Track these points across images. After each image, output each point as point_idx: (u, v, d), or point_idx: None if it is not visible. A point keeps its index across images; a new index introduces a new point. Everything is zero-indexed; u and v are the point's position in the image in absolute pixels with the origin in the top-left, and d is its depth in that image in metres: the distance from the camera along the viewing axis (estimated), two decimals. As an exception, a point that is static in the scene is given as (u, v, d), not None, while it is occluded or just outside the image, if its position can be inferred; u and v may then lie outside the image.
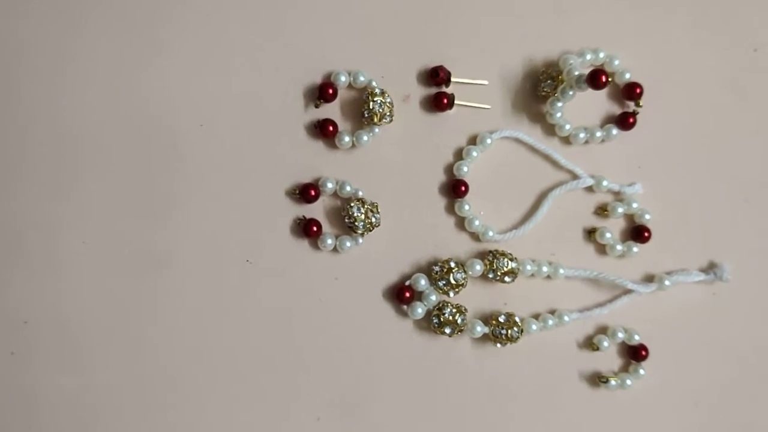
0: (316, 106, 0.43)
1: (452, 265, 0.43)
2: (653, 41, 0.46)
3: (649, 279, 0.46)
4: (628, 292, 0.46)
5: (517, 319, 0.44)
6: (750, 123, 0.46)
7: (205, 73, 0.44)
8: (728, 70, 0.46)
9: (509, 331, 0.43)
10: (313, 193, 0.43)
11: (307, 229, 0.43)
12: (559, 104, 0.43)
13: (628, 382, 0.45)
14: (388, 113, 0.42)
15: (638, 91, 0.45)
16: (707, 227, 0.46)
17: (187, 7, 0.44)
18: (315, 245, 0.44)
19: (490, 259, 0.44)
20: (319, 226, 0.43)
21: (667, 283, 0.45)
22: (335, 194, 0.44)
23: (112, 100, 0.43)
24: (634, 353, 0.45)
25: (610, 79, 0.42)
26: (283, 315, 0.44)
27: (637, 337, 0.45)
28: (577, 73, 0.42)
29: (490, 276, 0.44)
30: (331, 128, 0.43)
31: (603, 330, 0.46)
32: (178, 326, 0.43)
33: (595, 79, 0.41)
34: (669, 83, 0.46)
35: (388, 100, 0.42)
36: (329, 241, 0.43)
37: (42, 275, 0.43)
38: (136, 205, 0.43)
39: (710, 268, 0.46)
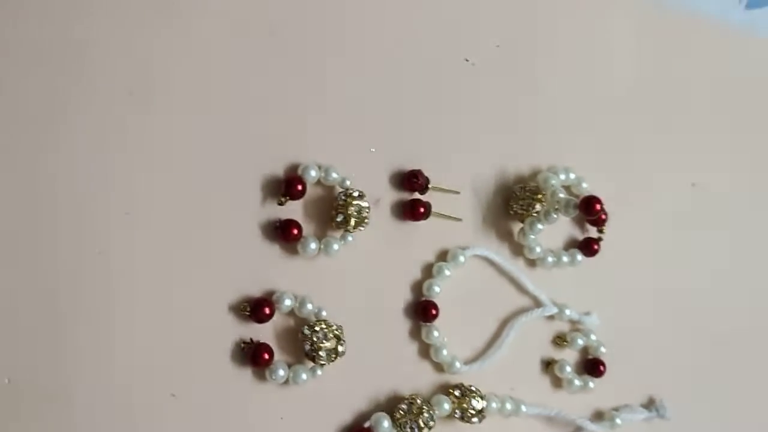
0: (280, 203, 0.36)
1: (420, 403, 0.37)
2: (616, 166, 0.46)
3: (598, 415, 0.44)
4: (579, 431, 0.43)
5: (484, 468, 0.39)
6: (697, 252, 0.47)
7: (133, 148, 0.34)
8: (671, 205, 0.47)
9: (476, 482, 0.38)
10: (267, 311, 0.35)
11: (256, 356, 0.35)
12: (540, 227, 0.41)
13: None
14: (365, 221, 0.36)
15: (603, 218, 0.43)
16: (649, 362, 0.46)
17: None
18: (260, 376, 0.36)
19: (458, 396, 0.39)
20: (271, 354, 0.35)
21: (618, 422, 0.45)
22: (291, 312, 0.36)
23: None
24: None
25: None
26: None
27: (590, 482, 0.42)
28: (562, 195, 0.40)
29: (456, 416, 0.39)
30: (295, 231, 0.36)
31: (556, 473, 0.43)
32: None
33: (590, 207, 0.39)
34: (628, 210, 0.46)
35: (366, 204, 0.36)
36: (281, 372, 0.35)
37: None
38: (25, 317, 0.31)
39: (650, 404, 0.46)
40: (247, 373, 0.36)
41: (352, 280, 0.39)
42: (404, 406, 0.39)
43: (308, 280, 0.38)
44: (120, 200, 0.34)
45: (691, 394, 0.48)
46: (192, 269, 0.36)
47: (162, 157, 0.35)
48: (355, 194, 0.38)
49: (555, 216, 0.42)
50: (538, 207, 0.42)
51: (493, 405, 0.41)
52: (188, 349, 0.35)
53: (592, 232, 0.46)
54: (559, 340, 0.45)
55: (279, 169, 0.38)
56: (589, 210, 0.40)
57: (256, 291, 0.37)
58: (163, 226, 0.35)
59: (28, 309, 0.33)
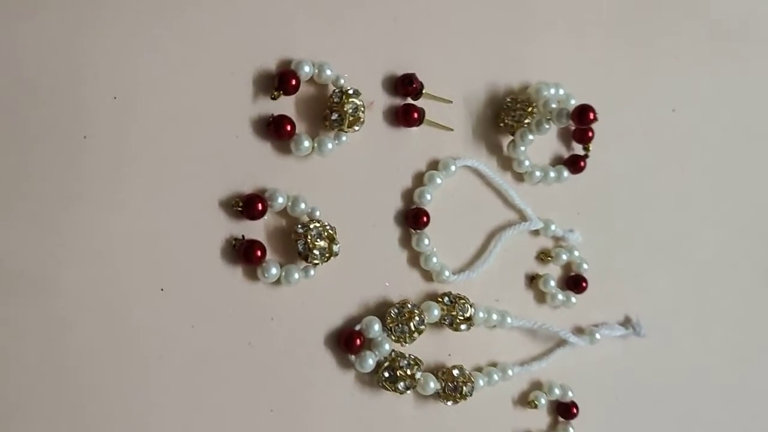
0: (273, 98, 0.35)
1: (410, 308, 0.37)
2: (600, 86, 0.46)
3: (578, 330, 0.46)
4: (561, 344, 0.44)
5: (472, 374, 0.39)
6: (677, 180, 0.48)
7: (124, 29, 0.32)
8: (654, 130, 0.48)
9: (464, 388, 0.39)
10: (260, 207, 0.34)
11: (248, 253, 0.34)
12: (531, 137, 0.41)
13: (560, 441, 0.43)
14: (360, 120, 0.36)
15: (590, 135, 0.44)
16: (626, 281, 0.47)
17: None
18: (251, 274, 0.35)
19: (448, 303, 0.39)
20: (264, 251, 0.34)
21: (597, 336, 0.46)
22: (282, 212, 0.35)
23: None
24: (565, 410, 0.44)
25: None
26: (201, 361, 0.34)
27: (570, 394, 0.44)
28: (555, 105, 0.40)
29: (445, 322, 0.39)
30: (288, 128, 0.35)
31: (537, 385, 0.44)
32: (64, 374, 0.31)
33: (584, 115, 0.39)
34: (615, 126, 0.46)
35: (361, 103, 0.36)
36: (273, 271, 0.35)
37: None
38: (13, 201, 0.30)
39: (627, 322, 0.47)
40: (237, 271, 0.36)
41: (343, 182, 0.39)
42: (395, 311, 0.39)
43: (299, 179, 0.37)
44: (107, 84, 0.33)
45: (668, 315, 0.50)
46: (181, 162, 0.35)
47: (153, 41, 0.34)
48: (351, 92, 0.37)
49: (547, 126, 0.42)
50: (529, 119, 0.43)
51: (480, 314, 0.42)
52: (177, 243, 0.34)
53: (578, 149, 0.47)
54: (544, 256, 0.46)
55: (271, 64, 0.37)
56: (583, 118, 0.41)
57: (247, 188, 0.36)
58: (151, 114, 0.34)
59: (14, 192, 0.31)
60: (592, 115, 0.40)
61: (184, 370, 0.34)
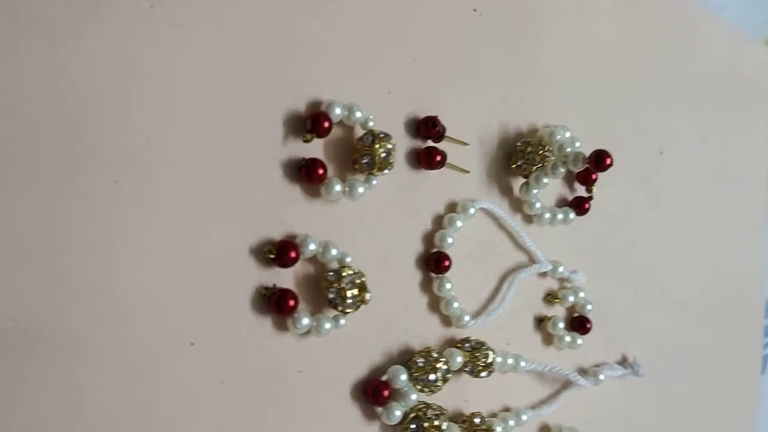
0: (306, 141, 0.34)
1: (436, 356, 0.37)
2: (593, 129, 0.47)
3: (580, 371, 0.46)
4: (567, 386, 0.45)
5: (491, 421, 0.39)
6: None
7: (157, 69, 0.30)
8: (642, 169, 0.50)
9: (486, 436, 0.38)
10: (293, 254, 0.33)
11: (281, 303, 0.33)
12: (545, 180, 0.42)
13: (570, 485, 0.43)
14: (391, 164, 0.35)
15: (594, 177, 0.45)
16: (623, 321, 0.48)
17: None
18: (280, 324, 0.33)
19: (469, 349, 0.39)
20: (296, 300, 0.33)
21: (601, 378, 0.46)
22: (311, 258, 0.34)
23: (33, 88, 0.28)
24: (574, 453, 0.44)
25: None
26: (230, 419, 0.33)
27: (578, 436, 0.44)
28: (569, 149, 0.40)
29: (466, 369, 0.38)
30: (320, 171, 0.34)
31: (545, 429, 0.44)
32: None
33: (601, 160, 0.40)
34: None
35: (392, 146, 0.35)
36: (305, 321, 0.33)
37: None
38: (34, 252, 0.27)
39: (624, 362, 0.48)
40: (266, 322, 0.34)
41: (368, 226, 0.38)
42: (421, 360, 0.38)
43: (327, 224, 0.36)
44: (139, 125, 0.31)
45: (661, 354, 0.51)
46: (211, 207, 0.32)
47: (185, 82, 0.32)
48: (382, 135, 0.36)
49: (562, 170, 0.43)
50: (544, 162, 0.43)
51: (498, 360, 0.42)
52: (208, 293, 0.32)
53: (580, 191, 0.48)
54: (551, 297, 0.46)
55: (299, 105, 0.36)
56: (600, 164, 0.41)
57: (277, 234, 0.34)
58: (182, 157, 0.32)
59: (37, 244, 0.28)
60: (609, 161, 0.41)
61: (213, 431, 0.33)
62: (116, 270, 0.30)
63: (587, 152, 0.43)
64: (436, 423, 0.38)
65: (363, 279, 0.36)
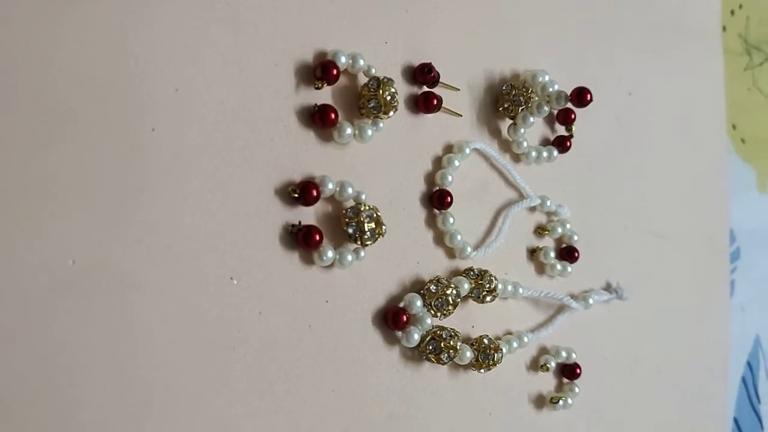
0: (317, 88, 0.37)
1: (446, 283, 0.40)
2: (569, 73, 0.51)
3: (573, 297, 0.50)
4: (561, 310, 0.48)
5: (498, 342, 0.42)
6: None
7: (179, 24, 0.33)
8: (616, 112, 0.54)
9: (495, 356, 0.42)
10: (315, 193, 0.36)
11: (308, 238, 0.36)
12: (532, 120, 0.45)
13: (569, 401, 0.47)
14: (395, 106, 0.38)
15: (572, 117, 0.49)
16: (606, 250, 0.52)
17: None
18: (306, 259, 0.36)
19: (474, 277, 0.42)
20: (321, 235, 0.36)
21: (590, 302, 0.50)
22: (329, 197, 0.37)
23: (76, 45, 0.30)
24: (570, 372, 0.48)
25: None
26: (269, 348, 0.36)
27: (574, 356, 0.48)
28: (553, 89, 0.44)
29: (472, 295, 0.42)
30: (332, 116, 0.37)
31: (544, 350, 0.48)
32: (143, 362, 0.31)
33: (582, 96, 0.43)
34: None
35: (395, 90, 0.38)
36: (329, 254, 0.36)
37: None
38: (89, 198, 0.30)
39: (608, 288, 0.52)
40: (294, 256, 0.37)
41: (376, 167, 0.41)
42: (433, 287, 0.42)
43: (340, 165, 0.39)
44: (168, 77, 0.33)
45: (642, 280, 0.56)
46: (237, 151, 0.35)
47: (206, 36, 0.35)
48: (386, 80, 0.39)
49: (546, 108, 0.46)
50: (529, 103, 0.46)
51: (500, 287, 0.45)
52: (242, 232, 0.35)
53: (561, 131, 0.52)
54: (541, 230, 0.50)
55: (307, 56, 0.38)
56: (581, 99, 0.45)
57: (296, 176, 0.37)
58: (209, 106, 0.34)
59: (89, 191, 0.31)
60: (589, 96, 0.45)
61: (255, 359, 0.35)
62: (161, 212, 0.33)
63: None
64: (451, 343, 0.41)
65: (378, 214, 0.39)
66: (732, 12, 0.77)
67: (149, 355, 0.32)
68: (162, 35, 0.33)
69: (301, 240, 0.37)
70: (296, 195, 0.37)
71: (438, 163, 0.44)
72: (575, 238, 0.51)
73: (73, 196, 0.31)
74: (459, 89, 0.45)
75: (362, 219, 0.38)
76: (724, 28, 0.70)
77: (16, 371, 0.29)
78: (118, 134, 0.32)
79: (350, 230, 0.38)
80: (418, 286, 0.42)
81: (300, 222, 0.37)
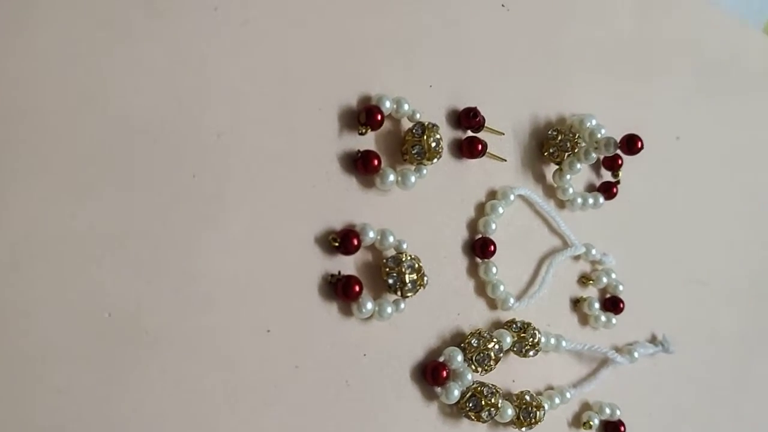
0: (361, 134, 0.36)
1: (488, 337, 0.39)
2: (614, 116, 0.49)
3: (617, 350, 0.48)
4: (604, 364, 0.47)
5: (540, 398, 0.41)
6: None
7: (223, 68, 0.32)
8: (660, 155, 0.52)
9: (537, 413, 0.40)
10: (355, 242, 0.34)
11: (347, 288, 0.35)
12: (578, 166, 0.44)
13: (613, 459, 0.45)
14: (440, 153, 0.37)
15: (619, 162, 0.47)
16: (651, 301, 0.50)
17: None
18: (345, 310, 0.35)
19: (516, 330, 0.40)
20: (361, 286, 0.35)
21: (636, 355, 0.48)
22: (369, 246, 0.36)
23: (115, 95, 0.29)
24: (614, 430, 0.46)
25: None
26: (306, 403, 0.34)
27: (618, 413, 0.46)
28: (601, 135, 0.43)
29: (515, 349, 0.40)
30: (375, 162, 0.35)
31: (586, 406, 0.46)
32: (176, 418, 0.30)
33: (632, 144, 0.42)
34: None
35: (440, 137, 0.37)
36: (369, 306, 0.35)
37: None
38: (128, 248, 0.29)
39: (654, 340, 0.50)
40: (333, 308, 0.36)
41: (418, 214, 0.40)
42: (474, 341, 0.40)
43: (381, 213, 0.38)
44: (211, 123, 0.32)
45: (687, 331, 0.54)
46: (278, 198, 0.34)
47: (249, 80, 0.34)
48: (431, 126, 0.38)
49: (594, 155, 0.45)
50: (576, 148, 0.45)
51: (543, 340, 0.44)
52: (280, 282, 0.34)
53: (606, 177, 0.50)
54: (585, 279, 0.48)
55: (351, 100, 0.38)
56: (632, 148, 0.44)
57: (337, 224, 0.36)
58: (250, 152, 0.34)
59: (126, 242, 0.30)
60: (639, 144, 0.43)
61: (292, 417, 0.34)
62: (199, 262, 0.32)
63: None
64: (492, 400, 0.40)
65: (420, 264, 0.38)
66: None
67: (182, 412, 0.31)
68: (206, 78, 0.33)
69: (341, 291, 0.36)
70: (337, 244, 0.36)
71: (481, 209, 0.43)
72: (620, 288, 0.49)
73: (113, 247, 0.30)
74: (504, 134, 0.44)
75: (403, 270, 0.37)
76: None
77: (59, 422, 0.28)
78: (160, 181, 0.31)
79: (390, 281, 0.37)
80: (458, 339, 0.41)
81: (339, 272, 0.36)
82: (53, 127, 0.29)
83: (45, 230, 0.28)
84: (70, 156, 0.29)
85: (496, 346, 0.40)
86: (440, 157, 0.39)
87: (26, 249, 0.28)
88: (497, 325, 0.43)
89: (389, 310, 0.37)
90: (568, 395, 0.45)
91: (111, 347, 0.29)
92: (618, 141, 0.44)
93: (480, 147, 0.42)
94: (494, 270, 0.42)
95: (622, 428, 0.48)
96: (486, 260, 0.42)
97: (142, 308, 0.30)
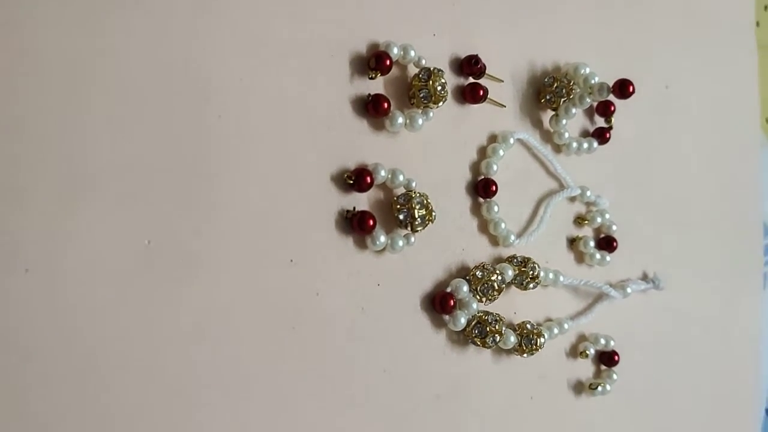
0: (371, 78, 0.38)
1: (492, 269, 0.41)
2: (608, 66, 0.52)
3: (611, 286, 0.51)
4: (599, 299, 0.50)
5: (541, 327, 0.44)
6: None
7: (242, 18, 0.35)
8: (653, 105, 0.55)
9: (538, 341, 0.43)
10: (369, 180, 0.37)
11: (362, 222, 0.37)
12: (574, 111, 0.46)
13: (608, 387, 0.48)
14: (445, 97, 0.40)
15: (612, 109, 0.50)
16: (643, 241, 0.53)
17: None
18: (360, 243, 0.38)
19: (518, 264, 0.43)
20: (375, 221, 0.37)
21: (629, 291, 0.51)
22: (381, 185, 0.39)
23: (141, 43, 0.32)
24: (608, 359, 0.49)
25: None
26: (326, 328, 0.38)
27: (612, 344, 0.49)
28: (595, 81, 0.45)
29: (516, 282, 0.43)
30: (385, 105, 0.38)
31: (582, 337, 0.49)
32: (209, 335, 0.33)
33: (624, 88, 0.44)
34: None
35: (445, 81, 0.40)
36: (382, 239, 0.38)
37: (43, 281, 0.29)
38: (163, 182, 0.32)
39: (645, 277, 0.53)
40: (348, 241, 0.39)
41: (424, 155, 0.43)
42: (479, 273, 0.43)
43: (391, 153, 0.41)
44: (234, 68, 0.35)
45: (676, 270, 0.57)
46: (297, 139, 0.37)
47: (266, 28, 0.36)
48: (437, 71, 0.41)
49: (588, 100, 0.47)
50: (571, 94, 0.48)
51: (542, 274, 0.47)
52: (301, 216, 0.37)
53: (600, 122, 0.53)
54: (581, 220, 0.51)
55: (361, 47, 0.40)
56: (624, 92, 0.46)
57: (351, 163, 0.39)
58: (271, 95, 0.36)
59: (163, 173, 0.33)
60: (631, 88, 0.46)
61: (313, 340, 0.37)
62: (227, 195, 0.35)
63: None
64: (496, 327, 0.43)
65: (428, 200, 0.41)
66: (765, 7, 0.78)
67: (214, 329, 0.34)
68: (228, 29, 0.35)
69: (356, 225, 0.39)
70: (351, 181, 0.38)
71: (483, 152, 0.46)
72: (614, 228, 0.52)
73: (149, 180, 0.33)
74: (503, 81, 0.47)
75: (413, 205, 0.40)
76: (757, 24, 0.71)
77: (101, 342, 0.31)
78: (189, 121, 0.34)
79: (401, 216, 0.40)
80: (463, 272, 0.44)
81: (354, 208, 0.39)
82: (89, 71, 0.31)
83: (88, 165, 0.31)
84: (107, 96, 0.32)
85: (499, 278, 0.43)
86: (445, 100, 0.41)
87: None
88: (499, 260, 0.46)
89: (400, 243, 0.40)
90: (565, 326, 0.48)
91: (151, 271, 0.32)
92: (611, 86, 0.47)
93: (481, 92, 0.44)
94: (496, 209, 0.45)
95: (616, 357, 0.51)
96: (488, 200, 0.45)
97: (176, 236, 0.33)
